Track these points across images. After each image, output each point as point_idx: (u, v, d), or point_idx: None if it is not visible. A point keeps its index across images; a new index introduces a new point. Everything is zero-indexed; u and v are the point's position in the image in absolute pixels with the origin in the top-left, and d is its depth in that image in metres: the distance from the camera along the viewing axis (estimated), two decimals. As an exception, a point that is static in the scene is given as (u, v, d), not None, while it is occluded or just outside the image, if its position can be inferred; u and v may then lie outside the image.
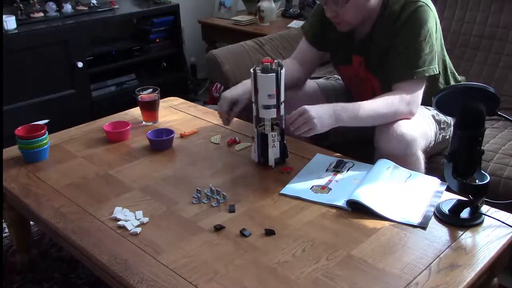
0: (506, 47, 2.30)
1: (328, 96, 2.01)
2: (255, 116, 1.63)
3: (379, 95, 1.70)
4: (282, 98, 1.61)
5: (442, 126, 1.85)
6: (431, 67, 1.69)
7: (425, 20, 1.66)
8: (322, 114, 1.60)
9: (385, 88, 1.77)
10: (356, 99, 1.83)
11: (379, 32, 1.75)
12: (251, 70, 1.59)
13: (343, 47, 1.88)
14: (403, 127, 1.64)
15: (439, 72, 1.80)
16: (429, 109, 1.83)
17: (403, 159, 1.63)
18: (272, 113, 1.61)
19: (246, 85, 1.83)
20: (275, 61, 1.61)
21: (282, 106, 1.62)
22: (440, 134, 1.84)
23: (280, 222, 1.39)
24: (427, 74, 1.69)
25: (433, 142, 1.80)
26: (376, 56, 1.78)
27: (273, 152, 1.65)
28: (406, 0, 1.69)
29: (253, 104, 1.62)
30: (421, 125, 1.73)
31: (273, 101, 1.59)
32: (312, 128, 1.59)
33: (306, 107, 1.60)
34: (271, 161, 1.65)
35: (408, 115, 1.68)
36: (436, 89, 1.82)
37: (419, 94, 1.70)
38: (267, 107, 1.60)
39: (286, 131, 1.66)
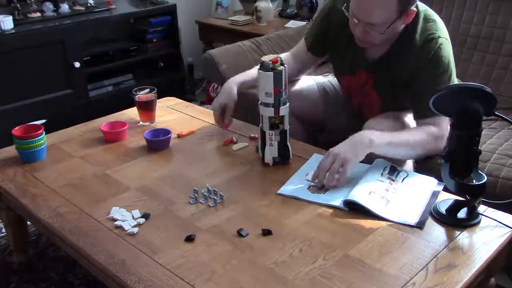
0: (503, 47, 2.30)
1: (325, 93, 2.00)
2: (269, 117, 1.61)
3: (407, 128, 1.69)
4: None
5: None
6: None
7: (448, 57, 1.65)
8: (348, 145, 1.53)
9: (384, 108, 1.78)
10: (353, 106, 1.82)
11: (396, 57, 1.71)
12: (259, 70, 1.58)
13: (351, 59, 1.81)
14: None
15: None
16: None
17: (390, 159, 1.61)
18: (287, 108, 1.62)
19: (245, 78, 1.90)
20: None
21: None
22: None
23: (277, 222, 1.39)
24: None
25: None
26: (387, 79, 1.75)
27: (270, 151, 1.65)
28: (426, 33, 1.65)
29: (261, 105, 1.61)
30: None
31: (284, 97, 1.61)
32: (348, 161, 1.50)
33: (330, 150, 1.53)
34: (268, 159, 1.66)
35: (437, 151, 1.65)
36: None
37: (446, 127, 1.60)
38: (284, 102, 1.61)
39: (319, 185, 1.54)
